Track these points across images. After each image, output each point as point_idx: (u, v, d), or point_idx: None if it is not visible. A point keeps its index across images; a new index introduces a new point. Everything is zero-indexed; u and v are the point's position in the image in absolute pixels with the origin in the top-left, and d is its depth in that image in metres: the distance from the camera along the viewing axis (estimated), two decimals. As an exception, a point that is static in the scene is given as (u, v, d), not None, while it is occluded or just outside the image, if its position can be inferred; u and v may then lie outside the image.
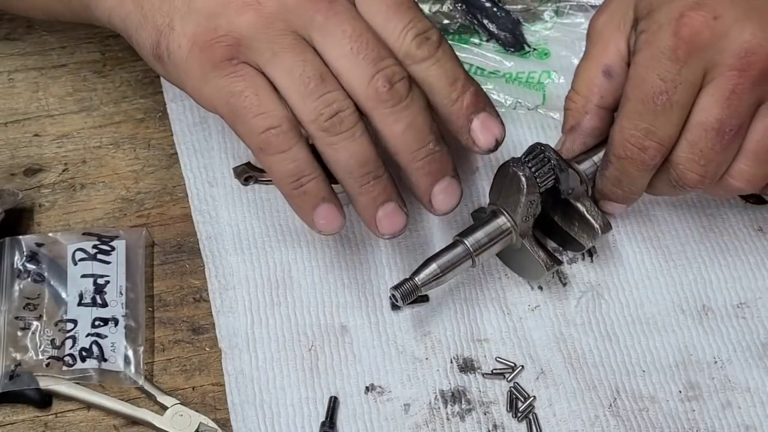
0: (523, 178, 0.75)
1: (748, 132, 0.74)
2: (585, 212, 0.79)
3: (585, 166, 0.80)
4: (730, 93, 0.72)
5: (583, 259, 0.83)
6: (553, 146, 0.79)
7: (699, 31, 0.72)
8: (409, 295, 0.76)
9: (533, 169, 0.76)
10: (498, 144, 0.75)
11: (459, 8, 0.96)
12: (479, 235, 0.78)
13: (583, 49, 0.88)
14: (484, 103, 0.75)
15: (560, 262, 0.79)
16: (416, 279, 0.76)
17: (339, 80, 0.72)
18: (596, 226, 0.79)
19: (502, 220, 0.78)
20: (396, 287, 0.76)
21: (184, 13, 0.72)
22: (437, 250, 0.78)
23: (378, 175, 0.73)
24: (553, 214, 0.82)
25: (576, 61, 0.92)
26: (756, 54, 0.72)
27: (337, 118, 0.71)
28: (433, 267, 0.76)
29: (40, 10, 0.84)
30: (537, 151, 0.76)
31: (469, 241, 0.77)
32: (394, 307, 0.80)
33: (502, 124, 0.75)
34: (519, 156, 0.77)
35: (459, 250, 0.77)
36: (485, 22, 0.95)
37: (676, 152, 0.75)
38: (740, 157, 0.75)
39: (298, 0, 0.71)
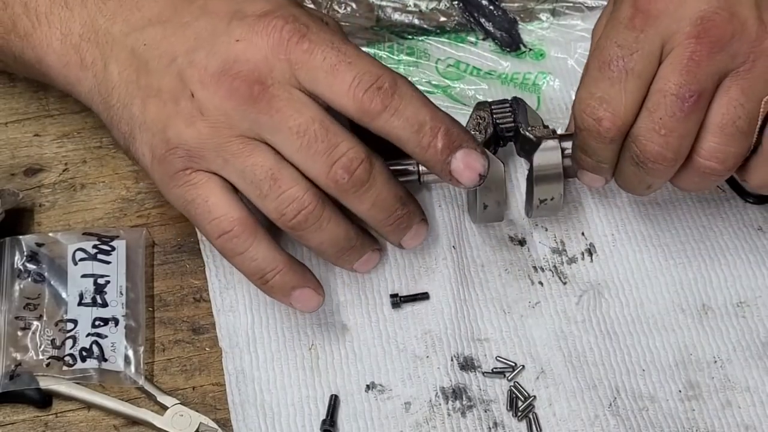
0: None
1: (711, 106, 0.73)
2: (527, 133, 0.78)
3: (568, 144, 0.79)
4: (688, 60, 0.71)
5: (583, 258, 0.84)
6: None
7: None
8: None
9: (492, 104, 0.79)
10: (483, 177, 0.74)
11: (456, 6, 0.96)
12: None
13: (578, 50, 0.90)
14: (459, 139, 0.73)
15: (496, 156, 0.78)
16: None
17: (300, 170, 0.72)
18: (530, 136, 0.78)
19: None
20: None
21: (140, 122, 0.74)
22: (436, 246, 0.80)
23: (351, 245, 0.76)
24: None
25: (571, 63, 0.93)
26: (711, 21, 0.71)
27: (301, 216, 0.72)
28: None
29: (38, 77, 0.83)
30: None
31: None
32: (395, 305, 0.81)
33: (483, 153, 0.74)
34: None
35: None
36: (482, 20, 0.95)
37: (637, 125, 0.73)
38: (707, 134, 0.73)
39: (237, 106, 0.71)
